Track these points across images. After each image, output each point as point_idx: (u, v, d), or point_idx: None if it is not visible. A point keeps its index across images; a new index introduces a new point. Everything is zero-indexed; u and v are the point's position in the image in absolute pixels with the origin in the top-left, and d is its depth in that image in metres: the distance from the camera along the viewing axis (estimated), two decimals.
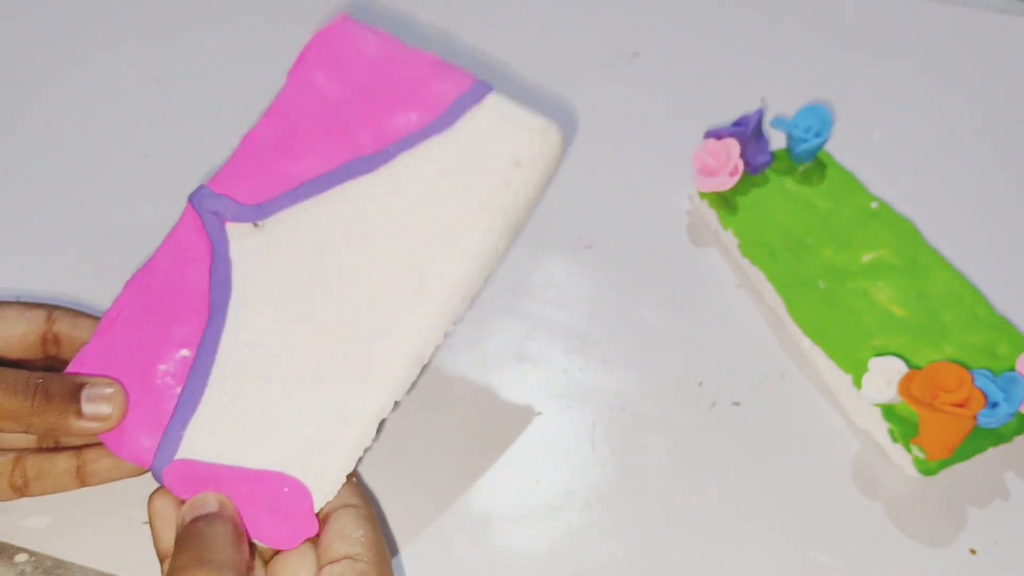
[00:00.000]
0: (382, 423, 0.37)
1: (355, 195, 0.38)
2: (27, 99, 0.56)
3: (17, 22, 0.60)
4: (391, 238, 0.37)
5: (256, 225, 0.38)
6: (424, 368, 0.38)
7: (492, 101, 0.38)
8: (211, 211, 0.39)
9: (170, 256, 0.39)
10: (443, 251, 0.37)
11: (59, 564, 0.39)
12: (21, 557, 0.39)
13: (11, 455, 0.38)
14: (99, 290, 0.46)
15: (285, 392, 0.36)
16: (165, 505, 0.37)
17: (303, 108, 0.39)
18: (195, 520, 0.35)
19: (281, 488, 0.36)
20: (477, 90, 0.38)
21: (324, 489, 0.36)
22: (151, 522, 0.37)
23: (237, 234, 0.38)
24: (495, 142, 0.37)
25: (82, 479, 0.39)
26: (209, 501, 0.35)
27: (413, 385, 0.38)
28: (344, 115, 0.39)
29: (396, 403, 0.37)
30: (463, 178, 0.37)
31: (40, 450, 0.39)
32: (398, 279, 0.37)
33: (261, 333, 0.37)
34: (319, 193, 0.38)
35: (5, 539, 0.40)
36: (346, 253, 0.38)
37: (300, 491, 0.36)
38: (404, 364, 0.37)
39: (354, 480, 0.37)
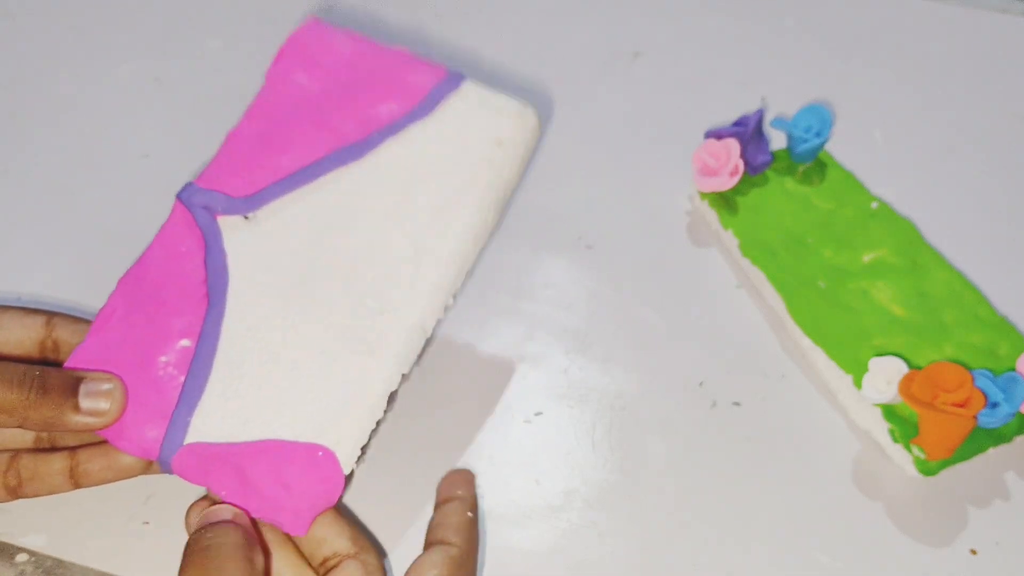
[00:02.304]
0: (393, 395, 0.37)
1: (345, 181, 0.39)
2: (27, 99, 0.56)
3: (17, 22, 0.60)
4: (384, 219, 0.38)
5: (247, 217, 0.39)
6: (428, 341, 0.38)
7: (468, 88, 0.39)
8: (201, 205, 0.39)
9: (162, 252, 0.39)
10: (436, 226, 0.38)
11: (59, 564, 0.39)
12: (21, 557, 0.39)
13: (5, 455, 0.38)
14: (99, 290, 0.46)
15: (292, 371, 0.37)
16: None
17: (284, 104, 0.40)
18: (201, 529, 0.34)
19: (301, 457, 0.35)
20: (452, 79, 0.40)
21: (342, 460, 0.36)
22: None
23: (229, 226, 0.39)
24: (475, 124, 0.39)
25: (75, 480, 0.38)
26: (220, 511, 0.35)
27: (419, 357, 0.38)
28: (326, 107, 0.40)
29: (404, 376, 0.37)
30: (449, 158, 0.38)
31: (35, 450, 0.39)
32: (394, 256, 0.38)
33: (263, 317, 0.37)
34: (309, 182, 0.39)
35: (5, 539, 0.40)
36: (341, 236, 0.38)
37: (323, 458, 0.35)
38: (408, 336, 0.37)
39: (357, 531, 0.36)
